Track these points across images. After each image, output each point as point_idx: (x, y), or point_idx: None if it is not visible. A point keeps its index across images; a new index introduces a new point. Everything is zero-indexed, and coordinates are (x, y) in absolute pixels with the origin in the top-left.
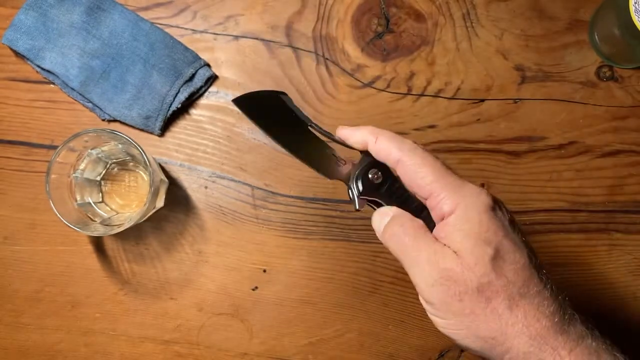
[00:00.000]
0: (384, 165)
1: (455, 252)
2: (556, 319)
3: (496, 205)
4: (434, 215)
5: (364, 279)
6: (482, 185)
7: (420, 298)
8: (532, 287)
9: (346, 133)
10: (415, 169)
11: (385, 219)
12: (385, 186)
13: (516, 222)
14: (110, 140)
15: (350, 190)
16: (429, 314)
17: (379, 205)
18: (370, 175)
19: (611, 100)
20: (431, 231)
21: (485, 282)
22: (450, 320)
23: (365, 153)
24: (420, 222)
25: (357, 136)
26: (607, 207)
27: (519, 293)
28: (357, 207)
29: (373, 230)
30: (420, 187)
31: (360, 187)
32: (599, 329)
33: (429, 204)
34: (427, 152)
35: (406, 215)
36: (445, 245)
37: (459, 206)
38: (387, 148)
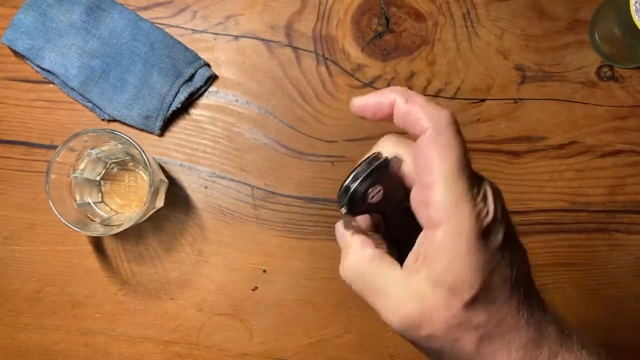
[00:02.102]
0: (385, 176)
1: (422, 291)
2: (529, 348)
3: (490, 229)
4: (423, 215)
5: None
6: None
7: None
8: (507, 322)
9: (367, 100)
10: (434, 149)
11: (343, 244)
12: (386, 200)
13: (511, 235)
14: (110, 140)
15: (343, 209)
16: None
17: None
18: (370, 195)
19: (611, 100)
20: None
21: (455, 324)
22: (423, 353)
23: (368, 160)
24: (373, 252)
25: (382, 98)
26: (608, 207)
27: (491, 331)
28: (345, 228)
29: None
30: (425, 170)
31: (354, 209)
32: (600, 332)
33: (423, 195)
34: (459, 136)
35: (362, 243)
36: (407, 276)
37: (449, 223)
38: (416, 113)
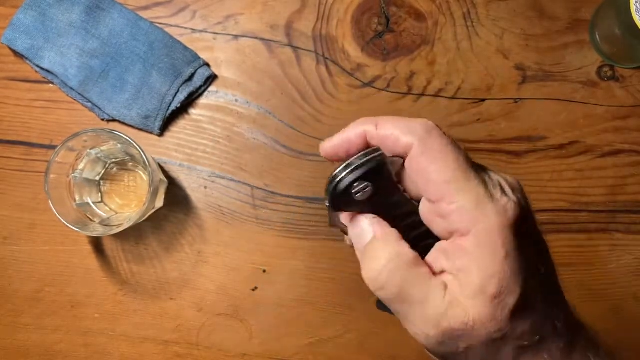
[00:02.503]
0: (377, 174)
1: (463, 301)
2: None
3: (525, 223)
4: (439, 227)
5: None
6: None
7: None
8: (546, 330)
9: (334, 141)
10: (428, 162)
11: (365, 242)
12: (374, 200)
13: (542, 238)
14: (109, 140)
15: (327, 202)
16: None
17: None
18: (354, 190)
19: (612, 100)
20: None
21: (498, 336)
22: None
23: (365, 153)
24: (412, 254)
25: (349, 134)
26: (608, 207)
27: (530, 343)
28: (330, 224)
29: None
30: (429, 186)
31: (336, 202)
32: (600, 332)
33: (436, 209)
34: (446, 138)
35: (394, 242)
36: (446, 286)
37: (477, 228)
38: (392, 134)
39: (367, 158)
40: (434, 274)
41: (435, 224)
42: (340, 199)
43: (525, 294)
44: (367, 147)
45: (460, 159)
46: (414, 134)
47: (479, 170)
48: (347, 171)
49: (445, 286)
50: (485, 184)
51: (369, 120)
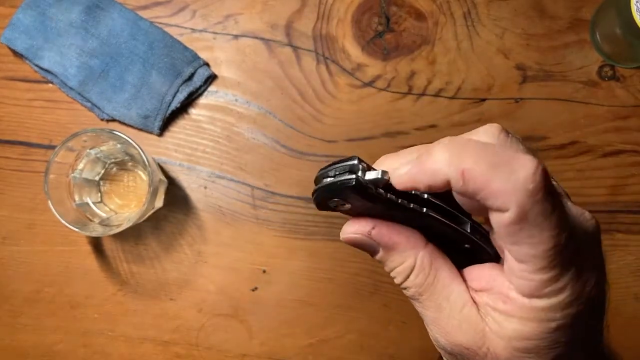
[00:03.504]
0: (350, 194)
1: (485, 325)
2: None
3: (599, 299)
4: (503, 268)
5: (365, 279)
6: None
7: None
8: None
9: (407, 175)
10: (525, 235)
11: (378, 254)
12: (359, 211)
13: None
14: (109, 140)
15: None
16: None
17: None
18: (331, 204)
19: (613, 100)
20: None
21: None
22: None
23: (343, 167)
24: (429, 260)
25: (426, 173)
26: (609, 207)
27: None
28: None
29: None
30: (514, 250)
31: (320, 208)
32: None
33: (506, 255)
34: (551, 201)
35: (406, 252)
36: (471, 301)
37: (541, 299)
38: (487, 188)
39: (342, 177)
40: (465, 284)
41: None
42: (324, 207)
43: (556, 358)
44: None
45: (558, 238)
46: (512, 194)
47: (573, 243)
48: (322, 185)
49: (470, 300)
50: (572, 260)
51: (453, 162)
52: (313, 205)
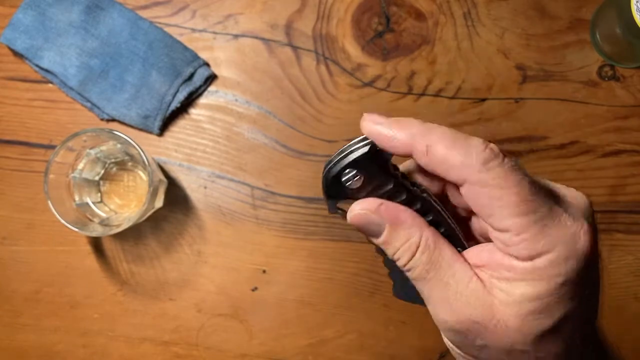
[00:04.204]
0: (366, 163)
1: (492, 298)
2: None
3: (591, 254)
4: (497, 242)
5: (365, 279)
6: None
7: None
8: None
9: (381, 128)
10: (488, 197)
11: (383, 232)
12: (368, 189)
13: (599, 266)
14: (109, 140)
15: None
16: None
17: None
18: (344, 178)
19: (613, 100)
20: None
21: (519, 349)
22: (462, 353)
23: (357, 141)
24: (433, 240)
25: (397, 136)
26: (609, 207)
27: None
28: (329, 211)
29: None
30: (492, 219)
31: (330, 191)
32: (599, 332)
33: (499, 236)
34: (506, 166)
35: (412, 230)
36: (476, 276)
37: (540, 257)
38: (445, 161)
39: (356, 147)
40: (467, 263)
41: (494, 240)
42: (333, 188)
43: (562, 321)
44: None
45: (524, 189)
46: (468, 166)
47: (546, 194)
48: (337, 159)
49: (474, 275)
50: (552, 213)
51: (421, 135)
52: (313, 205)
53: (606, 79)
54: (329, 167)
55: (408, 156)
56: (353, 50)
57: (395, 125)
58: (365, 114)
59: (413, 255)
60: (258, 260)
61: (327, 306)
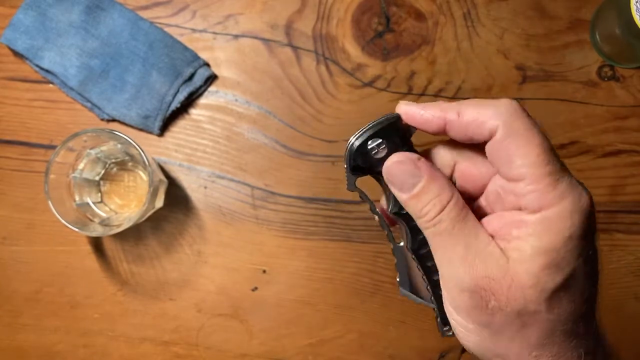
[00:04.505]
0: (391, 132)
1: (507, 259)
2: None
3: (593, 216)
4: (509, 202)
5: (365, 279)
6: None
7: (443, 290)
8: (578, 326)
9: (413, 109)
10: (513, 145)
11: (418, 184)
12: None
13: (595, 237)
14: (109, 140)
15: (345, 164)
16: (445, 305)
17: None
18: (370, 146)
19: (612, 100)
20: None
21: (532, 310)
22: (469, 326)
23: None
24: (461, 201)
25: (428, 115)
26: (609, 207)
27: (561, 330)
28: (348, 188)
29: (374, 230)
30: (511, 168)
31: (353, 162)
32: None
33: (512, 187)
34: (531, 120)
35: (445, 186)
36: (494, 241)
37: (549, 209)
38: (476, 119)
39: (382, 118)
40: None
41: (506, 200)
42: (357, 158)
43: (571, 278)
44: (442, 134)
45: (545, 144)
46: (498, 116)
47: (557, 158)
48: (363, 130)
49: (492, 239)
50: (565, 170)
51: (451, 107)
52: (313, 205)
53: (606, 79)
54: (355, 137)
55: (435, 133)
56: (353, 50)
57: (426, 105)
58: (400, 102)
59: (443, 209)
60: (258, 260)
61: (327, 306)
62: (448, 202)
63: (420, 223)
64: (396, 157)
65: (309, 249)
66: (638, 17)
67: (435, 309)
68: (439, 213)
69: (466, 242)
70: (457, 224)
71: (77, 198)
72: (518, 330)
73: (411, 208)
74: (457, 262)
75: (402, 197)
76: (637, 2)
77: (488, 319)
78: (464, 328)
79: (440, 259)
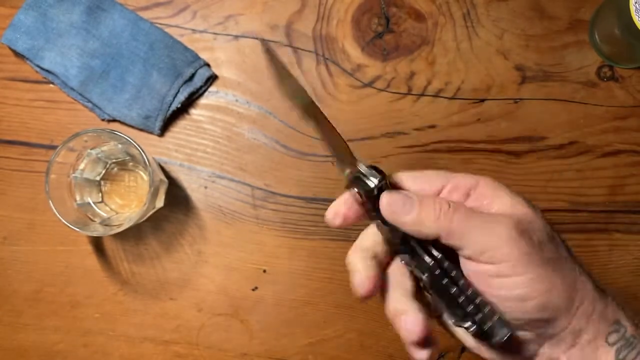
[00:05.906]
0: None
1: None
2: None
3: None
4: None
5: None
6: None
7: (477, 266)
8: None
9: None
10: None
11: (414, 206)
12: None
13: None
14: (109, 140)
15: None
16: (491, 279)
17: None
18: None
19: (612, 100)
20: None
21: (549, 231)
22: (529, 275)
23: (376, 174)
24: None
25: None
26: (608, 207)
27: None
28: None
29: None
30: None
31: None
32: None
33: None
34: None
35: (435, 196)
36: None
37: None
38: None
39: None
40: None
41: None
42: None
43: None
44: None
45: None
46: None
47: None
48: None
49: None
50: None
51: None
52: (313, 205)
53: (605, 79)
54: (371, 183)
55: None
56: (353, 51)
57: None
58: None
59: (449, 203)
60: (258, 260)
61: (327, 305)
62: (438, 215)
63: (440, 223)
64: (386, 195)
65: (309, 248)
66: (637, 17)
67: (472, 325)
68: (449, 205)
69: (487, 216)
70: (468, 205)
71: (77, 198)
72: (557, 252)
73: (424, 214)
74: (491, 221)
75: (409, 217)
76: (636, 2)
77: (540, 256)
78: (526, 282)
79: (475, 232)
